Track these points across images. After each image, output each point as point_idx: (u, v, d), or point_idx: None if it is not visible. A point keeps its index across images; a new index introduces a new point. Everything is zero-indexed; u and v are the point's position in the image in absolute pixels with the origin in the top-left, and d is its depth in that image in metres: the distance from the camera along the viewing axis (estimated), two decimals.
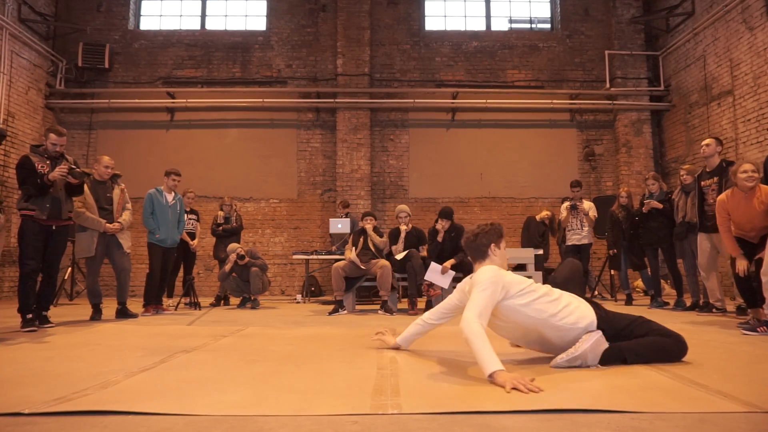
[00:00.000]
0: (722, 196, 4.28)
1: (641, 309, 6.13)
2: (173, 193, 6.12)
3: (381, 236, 6.30)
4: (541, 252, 8.05)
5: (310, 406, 1.75)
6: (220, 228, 7.49)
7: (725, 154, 7.89)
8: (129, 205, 5.57)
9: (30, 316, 4.27)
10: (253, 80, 10.17)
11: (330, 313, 5.76)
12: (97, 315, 5.11)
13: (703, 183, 5.22)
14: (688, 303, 6.00)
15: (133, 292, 9.13)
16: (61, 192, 4.49)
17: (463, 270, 6.15)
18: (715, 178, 5.07)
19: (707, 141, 5.27)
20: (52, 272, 4.59)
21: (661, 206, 6.06)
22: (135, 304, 6.89)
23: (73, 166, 4.54)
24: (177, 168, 6.32)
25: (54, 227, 4.48)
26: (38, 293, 4.50)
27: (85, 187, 5.16)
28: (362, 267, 6.01)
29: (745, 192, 4.06)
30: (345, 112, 9.82)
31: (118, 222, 5.30)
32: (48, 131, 4.54)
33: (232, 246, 6.86)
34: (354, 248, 6.18)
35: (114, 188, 5.43)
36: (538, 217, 8.28)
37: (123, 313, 5.28)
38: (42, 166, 4.37)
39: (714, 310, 5.36)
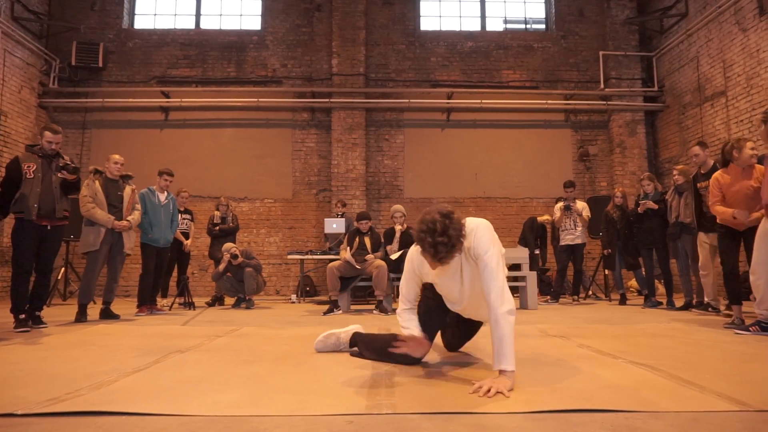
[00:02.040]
0: (717, 173, 4.34)
1: (635, 309, 6.16)
2: (166, 193, 6.11)
3: (377, 244, 6.28)
4: (538, 252, 8.07)
5: (305, 406, 1.75)
6: (217, 228, 7.46)
7: (718, 154, 7.95)
8: (139, 206, 5.57)
9: (23, 316, 4.24)
10: (248, 80, 10.14)
11: (325, 313, 5.75)
12: (82, 317, 4.99)
13: (699, 185, 5.25)
14: (679, 303, 6.04)
15: (127, 292, 9.11)
16: (56, 190, 4.47)
17: None
18: (710, 180, 5.10)
19: (694, 151, 5.32)
20: (46, 272, 4.56)
21: (656, 207, 6.09)
22: (129, 304, 6.88)
23: (68, 163, 4.53)
24: (169, 168, 6.31)
25: (49, 227, 4.45)
26: (32, 293, 4.48)
27: (97, 185, 5.16)
28: (357, 267, 6.01)
29: (743, 168, 4.11)
30: (340, 112, 9.81)
31: (127, 220, 5.29)
32: (43, 129, 4.54)
33: (227, 246, 6.84)
34: (349, 248, 6.18)
35: (125, 187, 5.42)
36: (539, 219, 8.30)
37: (106, 314, 5.24)
38: (28, 166, 4.36)
39: (710, 309, 5.39)
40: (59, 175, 4.48)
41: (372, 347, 2.63)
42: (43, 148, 4.49)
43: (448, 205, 2.15)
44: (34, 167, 4.38)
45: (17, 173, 4.34)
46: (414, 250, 2.44)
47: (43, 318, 4.57)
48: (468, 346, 2.97)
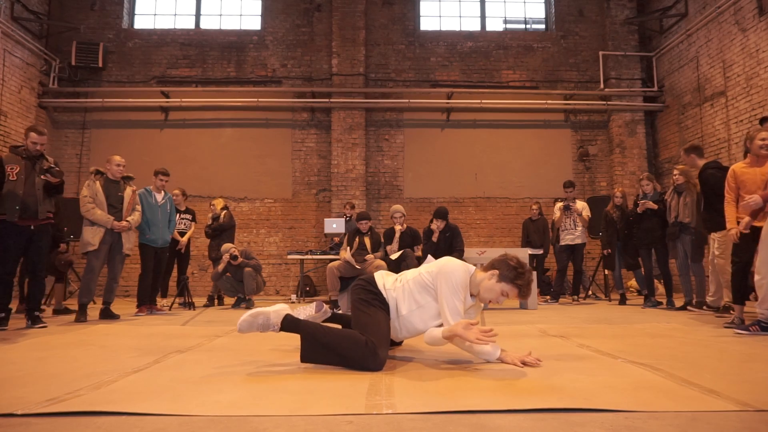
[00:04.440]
0: (735, 165, 4.39)
1: (635, 309, 6.17)
2: (163, 193, 6.10)
3: (377, 244, 6.27)
4: (540, 251, 8.05)
5: (305, 406, 1.75)
6: (209, 229, 7.46)
7: (717, 154, 7.97)
8: (139, 207, 5.57)
9: (2, 315, 4.29)
10: (248, 80, 10.14)
11: None
12: (82, 317, 4.99)
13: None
14: (679, 303, 6.04)
15: (126, 292, 9.11)
16: (38, 192, 4.45)
17: None
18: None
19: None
20: (37, 272, 4.56)
21: (656, 207, 6.10)
22: (129, 304, 6.88)
23: (53, 166, 4.53)
24: (166, 168, 6.30)
25: (33, 227, 4.43)
26: (27, 294, 4.51)
27: (97, 185, 5.17)
28: (357, 267, 6.01)
29: (757, 157, 4.15)
30: (340, 112, 9.81)
31: (127, 221, 5.30)
32: (29, 130, 4.51)
33: (226, 246, 6.84)
34: (349, 248, 6.19)
35: (126, 188, 5.43)
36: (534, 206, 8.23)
37: (106, 314, 5.25)
38: (11, 168, 4.34)
39: (704, 307, 5.36)
40: (42, 177, 4.47)
41: (323, 342, 2.42)
42: (27, 149, 4.47)
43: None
44: (18, 169, 4.36)
45: (0, 175, 4.31)
46: (461, 275, 2.50)
47: (43, 318, 4.57)
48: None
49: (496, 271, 2.49)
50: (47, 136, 4.62)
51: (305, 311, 2.76)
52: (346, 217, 8.42)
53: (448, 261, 2.58)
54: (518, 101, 10.11)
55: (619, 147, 9.91)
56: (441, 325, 2.52)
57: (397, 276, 2.75)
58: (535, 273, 6.48)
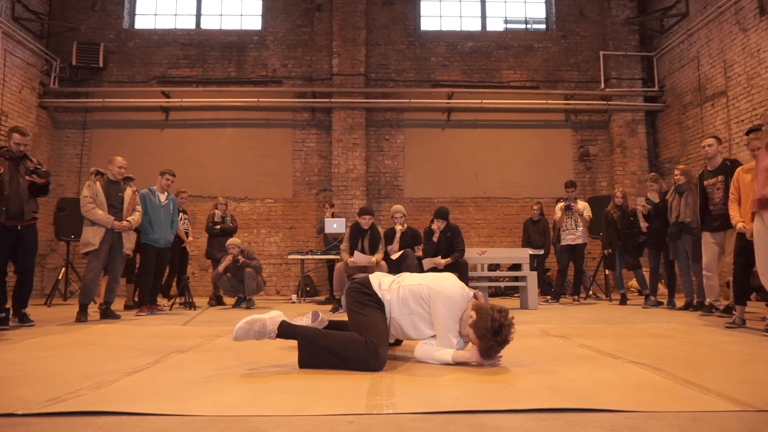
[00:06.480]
0: (740, 168, 4.47)
1: (635, 309, 6.16)
2: (166, 193, 6.11)
3: (377, 243, 6.21)
4: (541, 252, 8.05)
5: (305, 406, 1.75)
6: (218, 227, 7.47)
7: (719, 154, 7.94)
8: (139, 207, 5.58)
9: (3, 315, 4.30)
10: (249, 80, 10.14)
11: (332, 311, 5.78)
12: (83, 317, 4.99)
13: (706, 182, 5.14)
14: (680, 303, 6.02)
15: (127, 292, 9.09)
16: (23, 192, 4.45)
17: (458, 270, 6.17)
18: (720, 177, 5.00)
19: (709, 141, 5.19)
20: (26, 271, 4.58)
21: (658, 200, 6.12)
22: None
23: (39, 166, 4.53)
24: (171, 168, 6.30)
25: (19, 228, 4.44)
26: (15, 293, 4.53)
27: (98, 186, 5.17)
28: (370, 262, 5.98)
29: (754, 159, 4.18)
30: (340, 112, 9.81)
31: (127, 221, 5.30)
32: (11, 131, 4.51)
33: (234, 240, 6.86)
34: (349, 251, 6.10)
35: (126, 189, 5.43)
36: (534, 207, 8.24)
37: (107, 314, 5.25)
38: None
39: (713, 310, 5.31)
40: (27, 178, 4.47)
41: (321, 345, 2.40)
42: (10, 150, 4.46)
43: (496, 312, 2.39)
44: (2, 170, 4.36)
45: None
46: (459, 302, 2.51)
47: (30, 315, 4.61)
48: None
49: (474, 316, 2.42)
50: (30, 137, 4.60)
51: (301, 322, 2.75)
52: (329, 215, 8.35)
53: (451, 285, 2.55)
54: (519, 101, 10.11)
55: (620, 147, 9.90)
56: (433, 336, 2.57)
57: (394, 278, 2.75)
58: (535, 273, 6.49)
